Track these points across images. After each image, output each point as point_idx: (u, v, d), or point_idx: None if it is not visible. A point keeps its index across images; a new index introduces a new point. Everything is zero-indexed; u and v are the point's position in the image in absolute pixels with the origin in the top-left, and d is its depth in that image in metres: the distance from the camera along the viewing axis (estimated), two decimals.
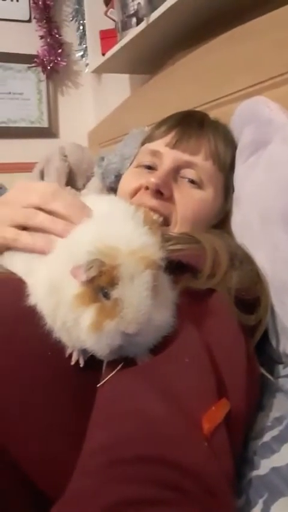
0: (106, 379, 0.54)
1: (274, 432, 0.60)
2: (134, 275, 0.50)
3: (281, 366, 0.77)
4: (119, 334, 0.50)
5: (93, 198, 0.72)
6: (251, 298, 0.72)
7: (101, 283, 0.50)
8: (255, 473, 0.56)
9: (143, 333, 0.51)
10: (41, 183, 0.70)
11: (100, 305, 0.51)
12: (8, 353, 0.58)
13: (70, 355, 0.58)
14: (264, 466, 0.56)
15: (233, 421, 0.52)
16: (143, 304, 0.50)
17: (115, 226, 0.55)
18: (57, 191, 0.65)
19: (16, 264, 0.66)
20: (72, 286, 0.52)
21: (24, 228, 0.64)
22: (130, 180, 0.94)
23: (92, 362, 0.56)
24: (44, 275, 0.58)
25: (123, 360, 0.54)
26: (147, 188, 0.87)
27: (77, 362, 0.58)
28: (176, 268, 0.63)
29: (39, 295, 0.59)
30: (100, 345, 0.51)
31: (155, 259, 0.52)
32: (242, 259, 0.76)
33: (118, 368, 0.54)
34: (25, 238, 0.63)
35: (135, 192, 0.90)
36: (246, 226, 0.85)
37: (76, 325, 0.52)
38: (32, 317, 0.58)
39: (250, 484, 0.55)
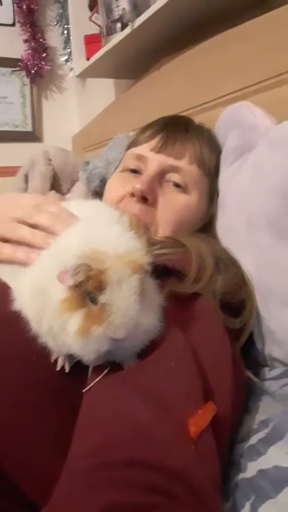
0: (92, 384, 0.54)
1: (260, 435, 0.60)
2: (122, 280, 0.50)
3: (266, 369, 0.78)
4: (106, 339, 0.50)
5: (78, 203, 0.72)
6: (237, 301, 0.72)
7: (88, 288, 0.50)
8: (242, 476, 0.56)
9: (130, 338, 0.51)
10: (26, 196, 0.71)
11: (87, 310, 0.51)
12: None
13: (56, 360, 0.58)
14: (251, 469, 0.56)
15: (220, 424, 0.52)
16: (131, 309, 0.50)
17: (101, 230, 0.55)
18: (41, 204, 0.65)
19: (1, 269, 0.66)
20: (58, 291, 0.52)
21: (7, 240, 0.65)
22: (116, 187, 0.94)
23: (78, 367, 0.56)
24: (29, 280, 0.58)
25: (110, 364, 0.54)
26: (132, 195, 0.87)
27: (63, 367, 0.57)
28: (161, 272, 0.63)
29: (24, 300, 0.58)
30: (87, 350, 0.51)
31: (142, 264, 0.52)
32: (227, 263, 0.76)
33: (104, 373, 0.54)
34: (6, 250, 0.63)
35: (121, 199, 0.90)
36: (232, 231, 0.86)
37: (62, 331, 0.52)
38: (17, 321, 0.57)
39: (237, 487, 0.55)
